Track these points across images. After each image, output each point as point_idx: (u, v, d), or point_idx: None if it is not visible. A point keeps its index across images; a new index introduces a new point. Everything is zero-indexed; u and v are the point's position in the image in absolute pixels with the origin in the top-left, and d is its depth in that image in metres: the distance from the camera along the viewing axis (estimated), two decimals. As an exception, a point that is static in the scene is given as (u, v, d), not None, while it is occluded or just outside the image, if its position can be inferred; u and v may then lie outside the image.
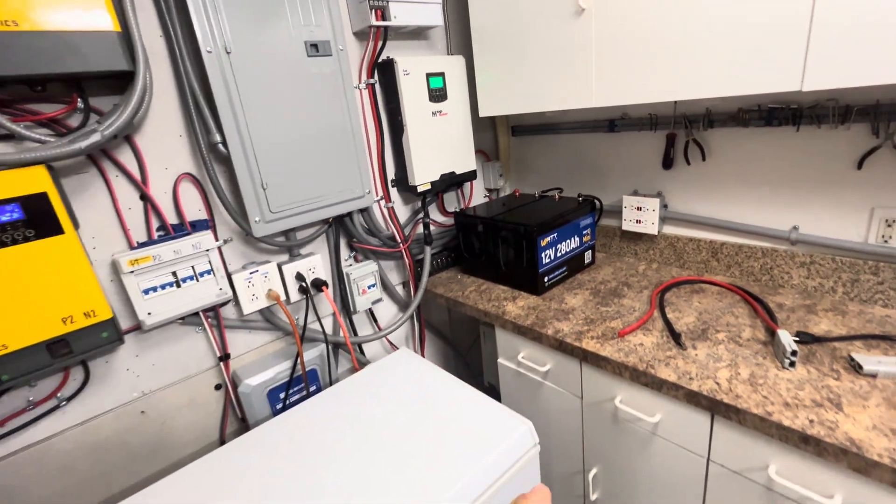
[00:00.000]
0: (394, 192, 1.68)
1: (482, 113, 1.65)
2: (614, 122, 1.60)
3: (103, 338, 1.05)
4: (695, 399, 0.98)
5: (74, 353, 1.01)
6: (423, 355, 1.88)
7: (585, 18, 1.23)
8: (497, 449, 0.97)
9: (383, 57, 1.51)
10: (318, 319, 1.41)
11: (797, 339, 1.05)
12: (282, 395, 1.37)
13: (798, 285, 1.33)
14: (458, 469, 0.91)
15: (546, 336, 1.27)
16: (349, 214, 1.51)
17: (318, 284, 1.42)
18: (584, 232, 1.62)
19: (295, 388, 1.39)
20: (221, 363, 1.33)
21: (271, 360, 1.40)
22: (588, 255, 1.66)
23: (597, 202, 1.71)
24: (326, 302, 1.51)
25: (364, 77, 1.51)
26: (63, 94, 1.01)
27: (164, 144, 1.17)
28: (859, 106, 1.10)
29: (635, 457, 1.18)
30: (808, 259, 1.29)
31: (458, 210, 1.85)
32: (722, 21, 1.00)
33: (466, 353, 2.09)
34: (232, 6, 1.12)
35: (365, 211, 1.56)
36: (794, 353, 0.98)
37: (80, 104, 1.03)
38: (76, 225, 1.01)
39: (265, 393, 1.34)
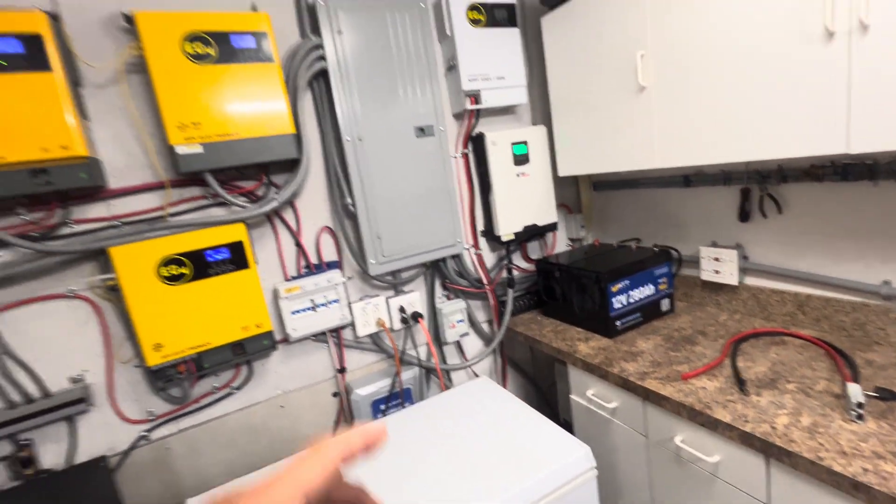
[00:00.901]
0: (482, 240, 1.96)
1: (561, 173, 1.88)
2: (689, 177, 1.70)
3: (265, 345, 1.45)
4: (748, 441, 1.02)
5: (247, 353, 1.43)
6: (505, 387, 2.05)
7: (646, 95, 1.42)
8: (552, 466, 1.12)
9: (476, 131, 1.85)
10: (415, 346, 1.70)
11: (876, 394, 1.04)
12: (382, 407, 1.66)
13: (896, 343, 1.26)
14: (515, 479, 1.08)
15: (612, 374, 1.39)
16: (444, 259, 1.81)
17: (416, 316, 1.72)
18: (660, 280, 1.70)
19: (393, 402, 1.68)
20: (338, 375, 1.68)
21: (376, 376, 1.71)
22: (665, 304, 1.73)
23: (674, 252, 1.78)
24: (422, 332, 1.80)
25: (460, 148, 1.86)
26: (256, 174, 1.50)
27: (313, 205, 1.61)
28: (939, 161, 1.10)
29: (699, 497, 1.21)
30: (905, 315, 1.23)
31: (540, 258, 2.05)
32: (759, 90, 1.12)
33: (546, 390, 2.20)
34: (365, 108, 1.55)
35: (457, 257, 1.85)
36: (860, 404, 0.98)
37: (265, 180, 1.50)
38: (256, 262, 1.46)
39: (370, 403, 1.64)
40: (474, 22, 1.70)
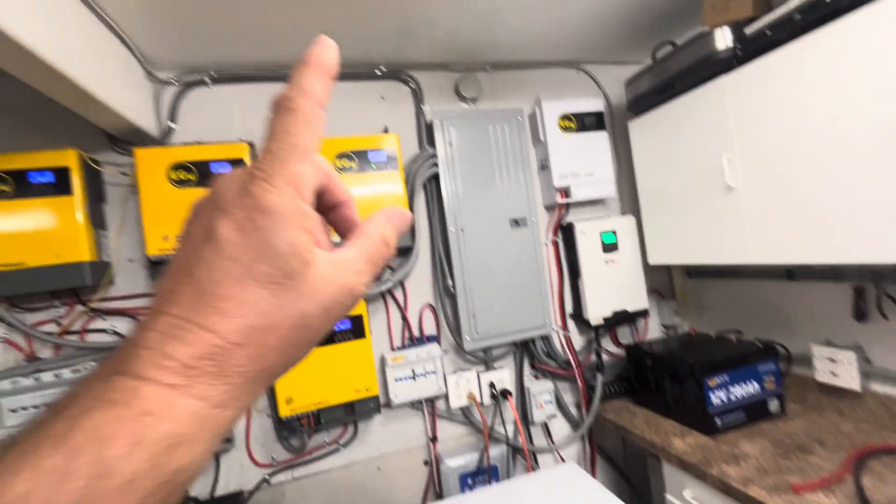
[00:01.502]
0: (571, 323, 2.03)
1: (651, 262, 1.93)
2: (792, 271, 1.66)
3: (371, 407, 1.64)
4: (874, 571, 0.93)
5: (356, 414, 1.63)
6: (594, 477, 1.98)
7: (734, 194, 1.48)
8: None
9: (566, 220, 2.01)
10: (503, 423, 1.77)
11: None
12: (469, 481, 1.72)
13: None
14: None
15: (711, 476, 1.33)
16: (533, 339, 1.91)
17: (505, 394, 1.81)
18: (765, 378, 1.61)
19: (480, 477, 1.73)
20: (431, 443, 1.80)
21: (464, 449, 1.80)
22: (774, 404, 1.61)
23: (780, 348, 1.69)
24: (510, 409, 1.87)
25: (550, 236, 2.02)
26: (376, 258, 1.79)
27: (419, 285, 1.85)
28: None
29: None
30: None
31: (631, 343, 2.05)
32: (859, 193, 1.14)
33: (638, 485, 2.06)
34: (468, 203, 1.81)
35: (546, 338, 1.94)
36: None
37: (382, 264, 1.79)
38: (370, 332, 1.70)
39: (458, 475, 1.72)
40: (565, 129, 1.93)
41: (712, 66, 1.48)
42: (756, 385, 1.60)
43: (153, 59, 1.56)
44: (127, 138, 1.56)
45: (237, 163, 1.55)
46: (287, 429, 1.58)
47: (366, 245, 0.28)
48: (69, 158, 1.41)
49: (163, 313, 0.23)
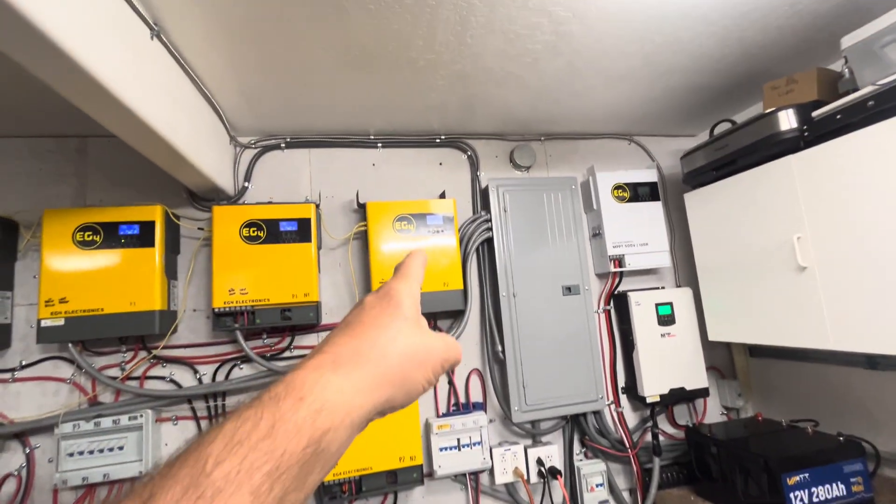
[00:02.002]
0: (623, 398, 1.93)
1: (711, 337, 1.83)
2: (874, 359, 1.53)
3: (414, 477, 1.57)
4: None
5: (398, 483, 1.56)
6: (650, 581, 1.77)
7: (808, 274, 1.41)
8: None
9: (619, 290, 1.97)
10: (551, 505, 1.64)
11: None
12: (514, 571, 1.58)
13: None
14: None
15: None
16: (584, 414, 1.81)
17: (554, 472, 1.70)
18: (853, 480, 1.45)
19: (525, 568, 1.59)
20: (473, 522, 1.68)
21: (508, 532, 1.67)
22: (864, 511, 1.44)
23: (867, 446, 1.52)
24: (559, 489, 1.74)
25: (602, 304, 1.97)
26: (427, 320, 1.79)
27: (467, 350, 1.82)
28: None
29: None
30: None
31: (690, 425, 1.91)
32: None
33: None
34: (521, 269, 1.80)
35: (597, 413, 1.84)
36: None
37: (434, 325, 1.78)
38: (417, 397, 1.66)
39: (502, 562, 1.58)
40: (619, 199, 1.94)
41: (776, 146, 1.48)
42: (842, 488, 1.43)
43: (237, 125, 1.71)
44: (206, 195, 1.68)
45: (304, 222, 1.63)
46: (328, 494, 1.52)
47: (451, 339, 0.41)
48: (156, 213, 1.52)
49: (326, 340, 0.35)
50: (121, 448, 1.45)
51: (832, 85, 1.43)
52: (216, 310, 1.50)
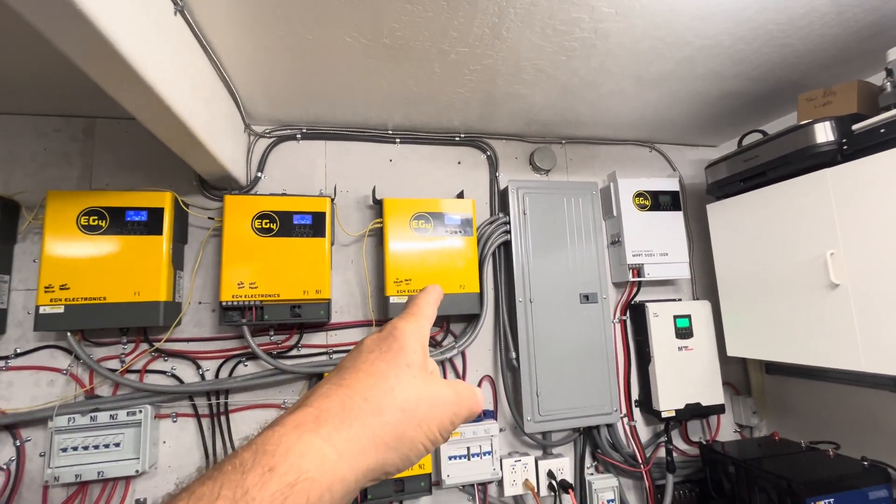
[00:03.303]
0: (636, 412, 1.87)
1: (730, 353, 1.79)
2: (902, 382, 1.49)
3: (421, 486, 1.51)
4: None
5: (405, 492, 1.50)
6: None
7: (840, 292, 1.37)
8: None
9: (636, 300, 1.92)
10: (562, 520, 1.58)
11: None
12: (522, 587, 1.52)
13: None
14: None
15: None
16: (597, 427, 1.76)
17: (565, 486, 1.64)
18: (877, 506, 1.40)
19: (534, 585, 1.53)
20: (480, 535, 1.62)
21: (516, 547, 1.61)
22: (888, 539, 1.39)
23: (893, 472, 1.48)
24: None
25: (619, 314, 1.92)
26: (439, 322, 1.73)
27: (479, 355, 1.76)
28: None
29: None
30: None
31: (703, 441, 1.86)
32: None
33: None
34: (538, 275, 1.75)
35: (610, 426, 1.78)
36: None
37: (446, 328, 1.73)
38: (427, 403, 1.60)
39: (509, 579, 1.52)
40: (640, 207, 1.90)
41: (811, 159, 1.44)
42: (867, 514, 1.38)
43: (253, 112, 1.65)
44: (218, 184, 1.62)
45: (318, 216, 1.57)
46: (331, 501, 1.46)
47: (464, 387, 0.35)
48: (165, 200, 1.46)
49: (313, 390, 0.30)
50: (117, 445, 1.38)
51: (873, 98, 1.39)
52: (223, 303, 1.44)
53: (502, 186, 1.88)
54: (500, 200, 1.88)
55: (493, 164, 1.92)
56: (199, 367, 1.53)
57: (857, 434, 1.65)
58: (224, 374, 1.55)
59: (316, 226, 1.56)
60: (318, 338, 1.65)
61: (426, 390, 0.31)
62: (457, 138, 1.89)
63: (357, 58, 1.33)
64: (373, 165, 1.81)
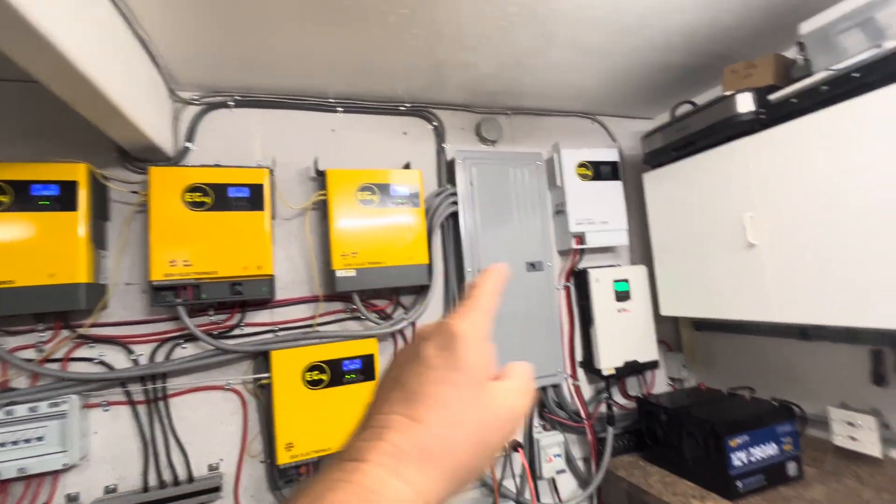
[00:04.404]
0: (580, 372, 1.98)
1: (663, 312, 1.92)
2: (805, 330, 1.66)
3: (375, 456, 1.52)
4: None
5: (359, 463, 1.50)
6: (601, 542, 1.87)
7: (756, 251, 1.50)
8: None
9: (579, 266, 2.00)
10: (513, 476, 1.67)
11: None
12: (476, 542, 1.59)
13: None
14: None
15: (741, 546, 1.26)
16: (544, 388, 1.84)
17: (515, 446, 1.72)
18: (784, 440, 1.58)
19: (487, 539, 1.61)
20: None
21: (470, 505, 1.68)
22: (792, 468, 1.57)
23: (796, 409, 1.67)
24: (519, 461, 1.77)
25: (562, 281, 2.00)
26: (389, 294, 1.72)
27: (430, 326, 1.78)
28: None
29: None
30: None
31: (640, 395, 2.00)
32: (888, 260, 1.16)
33: (649, 554, 1.95)
34: (485, 244, 1.78)
35: (556, 386, 1.87)
36: None
37: (396, 301, 1.72)
38: (379, 374, 1.61)
39: (463, 535, 1.59)
40: (582, 176, 1.96)
41: (734, 128, 1.54)
42: (775, 447, 1.56)
43: (177, 77, 1.52)
44: (140, 156, 1.49)
45: (256, 189, 1.49)
46: (284, 478, 1.44)
47: (521, 381, 0.34)
48: (78, 172, 1.32)
49: (378, 413, 0.29)
50: (40, 439, 1.28)
51: (787, 71, 1.50)
52: (154, 283, 1.35)
53: (449, 157, 1.87)
54: (448, 171, 1.87)
55: (440, 135, 1.89)
56: (131, 352, 1.44)
57: (769, 379, 1.84)
58: (160, 357, 1.46)
59: (254, 199, 1.48)
60: (263, 315, 1.59)
61: (493, 412, 0.30)
62: (402, 108, 1.84)
63: (291, 19, 1.25)
64: (314, 136, 1.73)
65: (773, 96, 1.43)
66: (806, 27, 1.33)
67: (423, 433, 0.27)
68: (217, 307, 1.53)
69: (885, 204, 1.17)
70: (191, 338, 1.48)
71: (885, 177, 1.17)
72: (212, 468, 1.47)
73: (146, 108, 1.32)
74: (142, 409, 1.42)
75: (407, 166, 1.76)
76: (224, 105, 1.63)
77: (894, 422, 1.46)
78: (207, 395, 1.51)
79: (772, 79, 1.49)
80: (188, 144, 1.57)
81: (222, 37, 1.32)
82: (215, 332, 1.52)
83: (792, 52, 1.55)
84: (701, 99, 1.96)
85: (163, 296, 1.38)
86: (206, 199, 1.42)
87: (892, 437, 1.45)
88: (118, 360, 1.43)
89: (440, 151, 1.89)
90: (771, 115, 1.44)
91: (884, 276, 1.18)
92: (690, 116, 1.70)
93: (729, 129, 1.56)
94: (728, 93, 1.55)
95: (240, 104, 1.65)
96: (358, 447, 0.27)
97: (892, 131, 1.14)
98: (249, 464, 1.52)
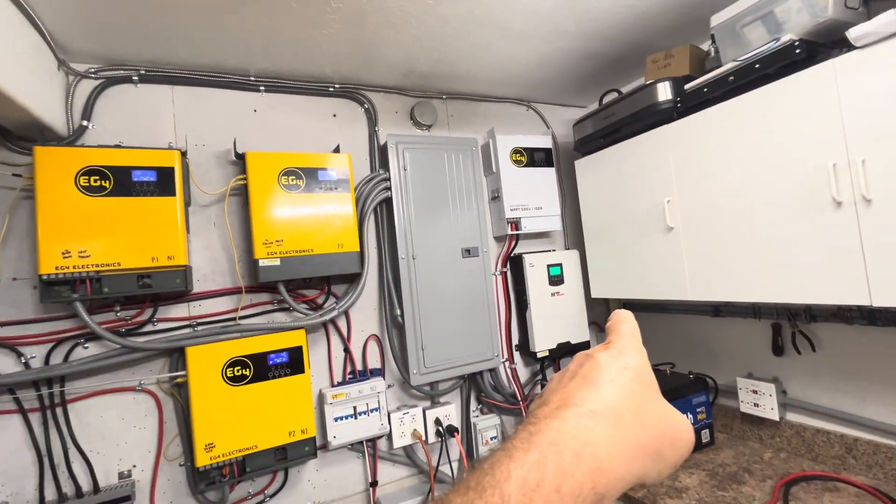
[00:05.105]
0: (517, 355, 2.02)
1: (594, 295, 1.99)
2: (718, 308, 1.79)
3: (306, 451, 1.47)
4: None
5: (288, 459, 1.45)
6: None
7: (674, 234, 1.58)
8: None
9: (515, 252, 2.02)
10: (449, 461, 1.68)
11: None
12: (412, 529, 1.59)
13: (958, 499, 1.21)
14: None
15: (657, 511, 1.34)
16: (481, 372, 1.86)
17: (451, 430, 1.73)
18: (699, 410, 1.70)
19: (423, 524, 1.61)
20: (371, 489, 1.65)
21: (407, 493, 1.67)
22: (705, 435, 1.70)
23: (709, 380, 1.80)
24: (456, 446, 1.78)
25: (500, 267, 2.02)
26: (319, 284, 1.66)
27: (365, 315, 1.74)
28: (963, 315, 1.17)
29: None
30: (962, 469, 1.20)
31: (573, 375, 2.07)
32: (779, 242, 1.26)
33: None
34: (420, 231, 1.75)
35: (493, 371, 1.90)
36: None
37: (327, 290, 1.66)
38: (309, 367, 1.55)
39: (400, 523, 1.58)
40: (517, 162, 1.97)
41: (654, 116, 1.60)
42: (691, 417, 1.67)
43: (69, 46, 1.35)
44: (26, 134, 1.32)
45: (165, 172, 1.37)
46: (205, 480, 1.36)
47: (689, 426, 0.34)
48: (-58, 151, 1.15)
49: (546, 404, 0.30)
50: None
51: (701, 61, 1.58)
52: (45, 277, 1.20)
53: (382, 142, 1.82)
54: (381, 156, 1.82)
55: (372, 118, 1.83)
56: (20, 354, 1.28)
57: (688, 354, 1.96)
58: (57, 359, 1.32)
59: (163, 183, 1.36)
60: (179, 310, 1.48)
61: (674, 414, 0.32)
62: (331, 89, 1.76)
63: (193, -18, 1.14)
64: (234, 116, 1.62)
65: (688, 86, 1.49)
66: (716, 20, 1.40)
67: (613, 403, 0.29)
68: (124, 302, 1.40)
69: (783, 190, 1.26)
70: (93, 336, 1.35)
71: (782, 164, 1.26)
72: (123, 476, 1.36)
73: (27, 80, 1.17)
74: (35, 417, 1.28)
75: (337, 150, 1.69)
76: (128, 80, 1.48)
77: (790, 388, 1.60)
78: (117, 397, 1.38)
79: (688, 69, 1.56)
80: (85, 123, 1.41)
81: (119, 2, 1.18)
82: (123, 330, 1.39)
83: (707, 44, 1.63)
84: (629, 88, 2.03)
85: (56, 291, 1.24)
86: (105, 184, 1.29)
87: (788, 402, 1.60)
88: (6, 363, 1.28)
89: (372, 135, 1.83)
90: (686, 103, 1.51)
91: (781, 256, 1.28)
92: (616, 104, 1.76)
93: (650, 116, 1.62)
94: (649, 82, 1.61)
95: (146, 79, 1.50)
96: (546, 410, 0.29)
97: (787, 121, 1.23)
98: (167, 468, 1.42)
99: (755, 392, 1.64)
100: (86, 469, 1.31)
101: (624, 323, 0.37)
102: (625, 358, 0.33)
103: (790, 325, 1.56)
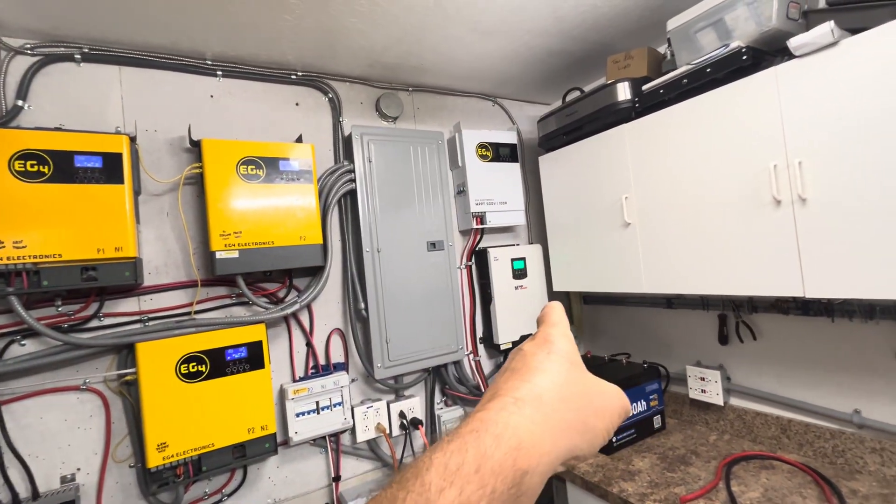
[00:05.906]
0: (481, 348, 2.05)
1: (556, 288, 2.05)
2: (671, 300, 1.88)
3: (266, 448, 1.44)
4: (751, 572, 1.04)
5: (247, 457, 1.41)
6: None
7: (631, 229, 1.64)
8: None
9: (480, 246, 2.05)
10: (413, 454, 1.68)
11: (864, 526, 1.09)
12: (375, 522, 1.59)
13: (875, 472, 1.34)
14: None
15: (611, 494, 1.40)
16: (445, 365, 1.88)
17: (415, 423, 1.74)
18: (651, 397, 1.78)
19: (386, 517, 1.61)
20: (333, 483, 1.64)
21: (370, 487, 1.67)
22: (657, 420, 1.79)
23: (662, 369, 1.89)
24: (420, 438, 1.79)
25: (465, 260, 2.04)
26: (280, 277, 1.62)
27: (328, 309, 1.71)
28: (882, 305, 1.29)
29: None
30: (879, 445, 1.33)
31: (535, 366, 2.13)
32: (724, 236, 1.34)
33: (542, 511, 2.11)
34: (385, 224, 1.74)
35: (457, 363, 1.92)
36: (850, 536, 1.03)
37: (288, 284, 1.62)
38: (269, 362, 1.51)
39: (363, 517, 1.58)
40: (482, 157, 1.99)
41: (614, 115, 1.65)
42: (644, 404, 1.76)
43: (1, 19, 1.24)
44: (-51, 113, 1.21)
45: (112, 158, 1.29)
46: (157, 481, 1.30)
47: (617, 389, 0.37)
48: None
49: (495, 386, 0.33)
50: None
51: (659, 63, 1.64)
52: (-27, 270, 1.11)
53: (346, 133, 1.79)
54: (345, 147, 1.79)
55: (337, 108, 1.80)
56: (-55, 353, 1.18)
57: (643, 344, 2.06)
58: (-11, 358, 1.23)
59: (109, 169, 1.28)
60: (128, 304, 1.40)
61: (596, 385, 0.35)
62: (293, 76, 1.71)
63: (142, -44, 1.07)
64: (189, 101, 1.54)
65: (645, 87, 1.55)
66: (672, 24, 1.46)
67: (532, 387, 0.31)
68: (66, 296, 1.32)
69: (730, 189, 1.34)
70: (31, 333, 1.26)
71: (730, 164, 1.33)
72: (66, 480, 1.28)
73: (-51, 53, 1.07)
74: (-36, 420, 1.19)
75: (300, 140, 1.64)
76: (69, 58, 1.38)
77: (734, 374, 1.71)
78: (58, 397, 1.30)
79: (646, 70, 1.62)
80: (20, 103, 1.31)
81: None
82: (65, 325, 1.31)
83: (664, 48, 1.69)
84: (591, 87, 2.08)
85: (-15, 286, 1.14)
86: (44, 169, 1.20)
87: (731, 388, 1.70)
88: (-72, 363, 1.17)
89: (337, 125, 1.79)
90: (644, 104, 1.57)
91: (727, 251, 1.36)
92: (578, 102, 1.80)
93: (610, 115, 1.67)
94: (609, 81, 1.66)
95: (90, 58, 1.40)
96: (479, 407, 0.30)
97: (734, 124, 1.30)
98: (116, 470, 1.35)
99: (703, 379, 1.74)
100: (24, 475, 1.23)
101: (552, 314, 0.40)
102: (550, 345, 0.35)
103: (734, 316, 1.66)
